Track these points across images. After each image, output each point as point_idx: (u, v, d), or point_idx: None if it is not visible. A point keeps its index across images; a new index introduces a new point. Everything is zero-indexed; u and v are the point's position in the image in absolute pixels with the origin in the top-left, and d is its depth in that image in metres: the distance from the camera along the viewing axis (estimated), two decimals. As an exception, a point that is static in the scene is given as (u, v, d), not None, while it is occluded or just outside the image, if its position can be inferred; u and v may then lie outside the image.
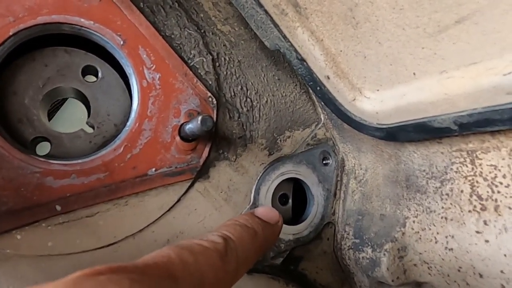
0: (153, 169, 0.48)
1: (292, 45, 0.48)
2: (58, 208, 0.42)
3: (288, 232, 0.57)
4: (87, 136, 0.48)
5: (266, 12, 0.47)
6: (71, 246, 0.43)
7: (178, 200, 0.50)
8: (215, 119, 0.52)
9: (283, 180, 0.58)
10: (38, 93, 0.46)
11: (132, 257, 0.47)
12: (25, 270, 0.42)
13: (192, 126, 0.46)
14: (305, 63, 0.48)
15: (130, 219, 0.47)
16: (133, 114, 0.48)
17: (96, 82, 0.49)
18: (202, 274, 0.30)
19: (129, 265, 0.26)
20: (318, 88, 0.49)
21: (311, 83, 0.50)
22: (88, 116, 0.49)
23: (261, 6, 0.47)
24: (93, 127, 0.49)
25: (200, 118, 0.43)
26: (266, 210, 0.45)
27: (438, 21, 0.35)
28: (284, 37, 0.48)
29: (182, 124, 0.49)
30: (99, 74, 0.49)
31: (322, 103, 0.52)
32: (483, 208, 0.41)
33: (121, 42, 0.47)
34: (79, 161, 0.44)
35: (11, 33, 0.41)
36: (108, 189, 0.45)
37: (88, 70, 0.49)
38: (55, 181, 0.42)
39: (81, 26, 0.45)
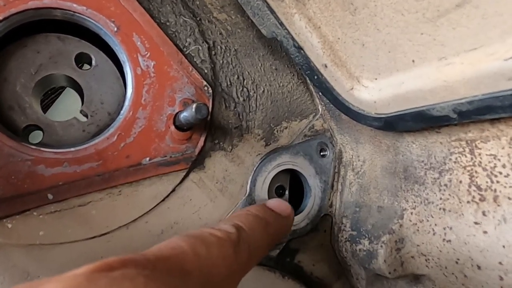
0: (147, 158, 0.47)
1: (289, 33, 0.47)
2: (50, 196, 0.42)
3: (285, 224, 0.56)
4: (80, 125, 0.47)
5: (262, -2, 0.46)
6: (63, 236, 0.43)
7: (173, 190, 0.49)
8: (210, 108, 0.51)
9: (279, 172, 0.57)
10: (30, 80, 0.45)
11: (126, 247, 0.46)
12: (16, 259, 0.41)
13: (186, 114, 0.45)
14: (302, 51, 0.48)
15: (124, 209, 0.46)
16: (127, 103, 0.47)
17: (90, 70, 0.48)
18: (215, 267, 0.29)
19: (140, 258, 0.25)
20: (315, 77, 0.49)
21: (308, 72, 0.49)
22: (82, 104, 0.48)
23: (257, -8, 0.46)
24: (86, 116, 0.48)
25: (194, 105, 0.42)
26: (278, 203, 0.44)
27: (437, 5, 0.34)
28: (281, 24, 0.47)
29: (177, 113, 0.48)
30: (93, 62, 0.48)
31: (320, 92, 0.51)
32: (482, 199, 0.40)
33: (115, 29, 0.46)
34: (72, 149, 0.43)
35: (1, 18, 0.40)
36: (101, 178, 0.44)
37: (82, 58, 0.48)
38: (46, 169, 0.42)
39: (74, 12, 0.44)
